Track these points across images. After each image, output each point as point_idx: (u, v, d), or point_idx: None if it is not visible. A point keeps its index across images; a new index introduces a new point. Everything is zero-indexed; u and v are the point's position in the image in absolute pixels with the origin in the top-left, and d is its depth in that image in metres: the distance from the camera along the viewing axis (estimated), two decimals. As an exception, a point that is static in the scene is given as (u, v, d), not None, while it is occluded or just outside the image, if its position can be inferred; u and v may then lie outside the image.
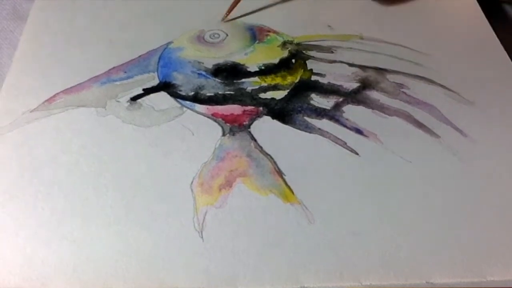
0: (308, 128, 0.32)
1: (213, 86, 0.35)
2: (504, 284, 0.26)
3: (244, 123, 0.33)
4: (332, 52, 0.38)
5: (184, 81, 0.35)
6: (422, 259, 0.27)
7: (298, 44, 0.38)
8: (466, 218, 0.28)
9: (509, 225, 0.28)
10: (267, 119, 0.33)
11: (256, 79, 0.35)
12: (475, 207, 0.29)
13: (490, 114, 0.33)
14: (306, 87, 0.35)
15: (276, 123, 0.33)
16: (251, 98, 0.34)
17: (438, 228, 0.28)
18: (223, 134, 0.32)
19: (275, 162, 0.31)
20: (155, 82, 0.35)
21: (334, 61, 0.37)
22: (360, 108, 0.34)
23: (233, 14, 0.40)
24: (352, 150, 0.31)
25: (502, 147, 0.31)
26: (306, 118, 0.33)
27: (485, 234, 0.28)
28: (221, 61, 0.37)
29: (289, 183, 0.30)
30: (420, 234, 0.27)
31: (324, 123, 0.33)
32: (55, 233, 0.27)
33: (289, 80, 0.35)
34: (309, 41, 0.38)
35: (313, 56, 0.37)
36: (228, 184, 0.30)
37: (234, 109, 0.34)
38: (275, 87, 0.35)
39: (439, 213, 0.28)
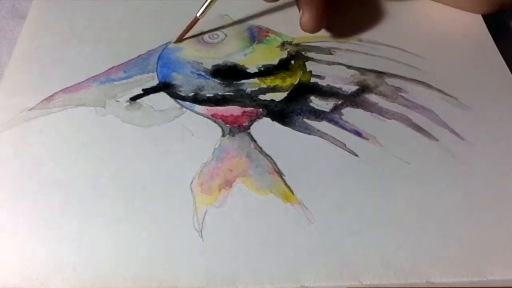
0: (308, 130, 0.33)
1: (212, 87, 0.35)
2: (504, 284, 0.26)
3: (244, 124, 0.33)
4: (331, 54, 0.38)
5: (184, 82, 0.35)
6: (422, 258, 0.27)
7: (297, 44, 0.38)
8: (466, 218, 0.28)
9: (509, 225, 0.28)
10: (266, 120, 0.33)
11: (255, 80, 0.36)
12: (474, 207, 0.29)
13: (486, 119, 0.33)
14: (306, 89, 0.35)
15: (276, 124, 0.33)
16: (251, 99, 0.34)
17: (438, 228, 0.28)
18: (223, 135, 0.32)
19: (274, 163, 0.31)
20: (154, 82, 0.35)
21: (333, 63, 0.37)
22: (359, 111, 0.34)
23: (234, 14, 0.40)
24: (351, 151, 0.31)
25: (497, 149, 0.32)
26: (305, 120, 0.33)
27: (485, 234, 0.28)
28: (220, 61, 0.37)
29: (288, 183, 0.30)
30: (420, 234, 0.28)
31: (323, 125, 0.33)
32: (54, 232, 0.27)
33: (288, 82, 0.36)
34: (308, 42, 0.39)
35: (312, 58, 0.37)
36: (228, 184, 0.30)
37: (233, 110, 0.34)
38: (274, 89, 0.35)
39: (438, 213, 0.29)
